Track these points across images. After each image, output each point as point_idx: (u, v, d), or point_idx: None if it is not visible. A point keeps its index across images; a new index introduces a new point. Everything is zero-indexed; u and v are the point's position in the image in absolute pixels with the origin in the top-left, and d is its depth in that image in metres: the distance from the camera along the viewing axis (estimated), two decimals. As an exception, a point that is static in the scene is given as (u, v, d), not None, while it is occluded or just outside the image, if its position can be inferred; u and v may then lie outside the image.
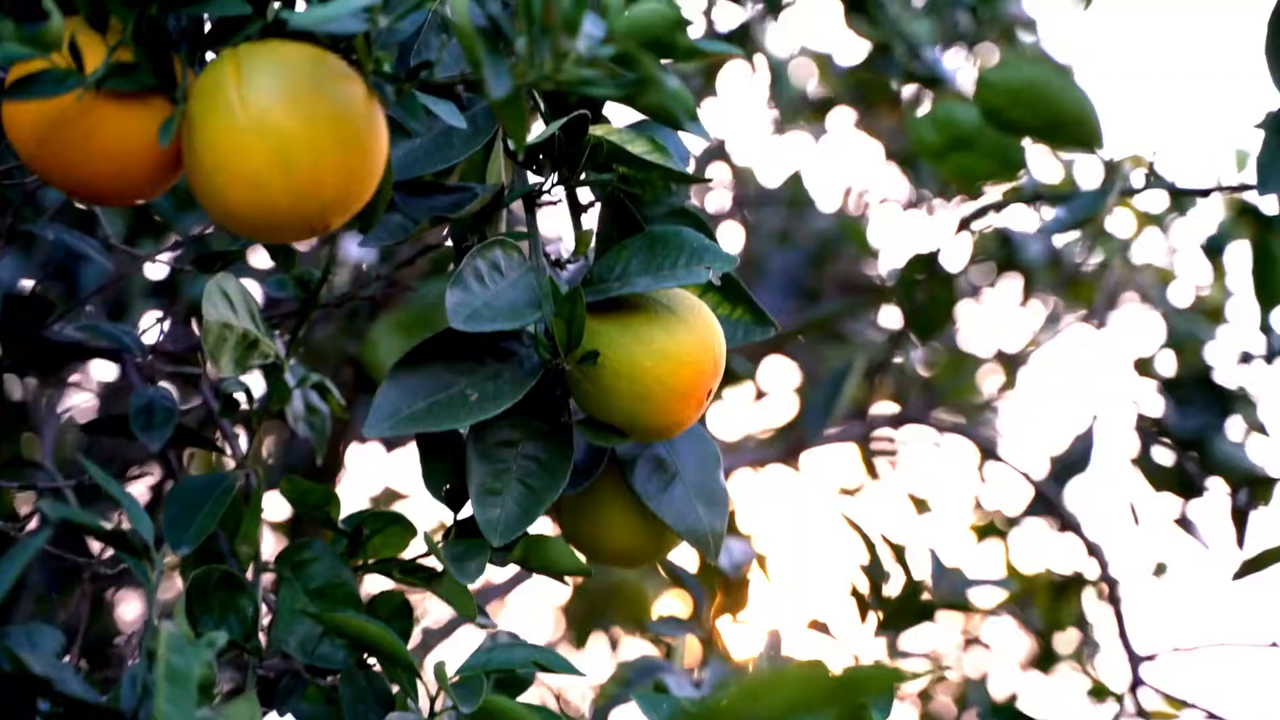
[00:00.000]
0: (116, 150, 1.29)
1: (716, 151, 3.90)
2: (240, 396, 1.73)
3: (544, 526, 1.70)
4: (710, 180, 1.61)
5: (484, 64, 1.22)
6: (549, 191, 1.60)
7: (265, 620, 1.61)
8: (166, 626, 1.19)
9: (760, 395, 3.96)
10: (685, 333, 1.50)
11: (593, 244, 1.62)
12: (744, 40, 3.16)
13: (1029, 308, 3.82)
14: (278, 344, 1.68)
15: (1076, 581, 3.27)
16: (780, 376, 3.94)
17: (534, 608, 4.23)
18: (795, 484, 3.81)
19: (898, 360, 3.46)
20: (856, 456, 3.77)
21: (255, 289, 2.36)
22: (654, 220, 1.63)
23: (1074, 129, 2.09)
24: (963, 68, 2.96)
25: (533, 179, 1.61)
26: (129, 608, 3.32)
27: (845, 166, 4.08)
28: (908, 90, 3.12)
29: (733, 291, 1.66)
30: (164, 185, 1.34)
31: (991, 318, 3.88)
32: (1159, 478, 3.33)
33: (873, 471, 3.81)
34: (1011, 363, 3.84)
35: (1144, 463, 3.36)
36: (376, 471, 3.87)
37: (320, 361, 2.94)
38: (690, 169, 1.62)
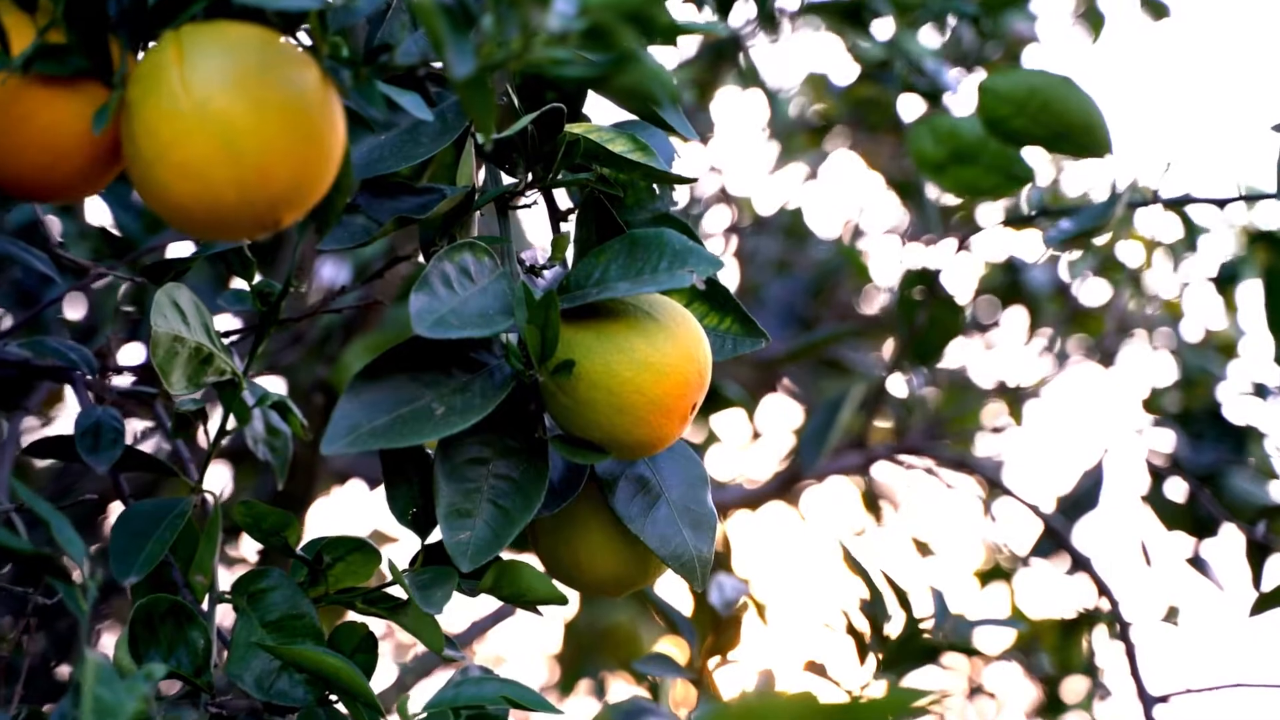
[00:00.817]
0: (48, 140, 1.21)
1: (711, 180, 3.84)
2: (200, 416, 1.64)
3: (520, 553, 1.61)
4: (696, 180, 1.52)
5: (446, 42, 1.14)
6: (524, 193, 1.52)
7: (223, 655, 1.52)
8: (94, 657, 1.10)
9: (756, 436, 3.89)
10: (667, 341, 1.42)
11: (570, 249, 1.53)
12: (734, 53, 3.08)
13: (1034, 341, 3.75)
14: (235, 360, 1.59)
15: (1086, 621, 3.18)
16: (777, 415, 3.88)
17: (521, 651, 4.15)
18: (791, 520, 3.74)
19: (898, 390, 3.37)
20: (855, 492, 3.69)
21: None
22: (637, 226, 1.55)
23: (1081, 137, 2.01)
24: (966, 82, 2.87)
25: (507, 181, 1.52)
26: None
27: (843, 195, 4.00)
28: (907, 111, 3.04)
29: (720, 300, 1.58)
30: (102, 179, 1.26)
31: (996, 351, 3.82)
32: (1171, 515, 3.25)
33: (872, 507, 3.73)
34: (1016, 397, 3.76)
35: (1155, 500, 3.28)
36: (361, 512, 3.79)
37: (291, 388, 2.85)
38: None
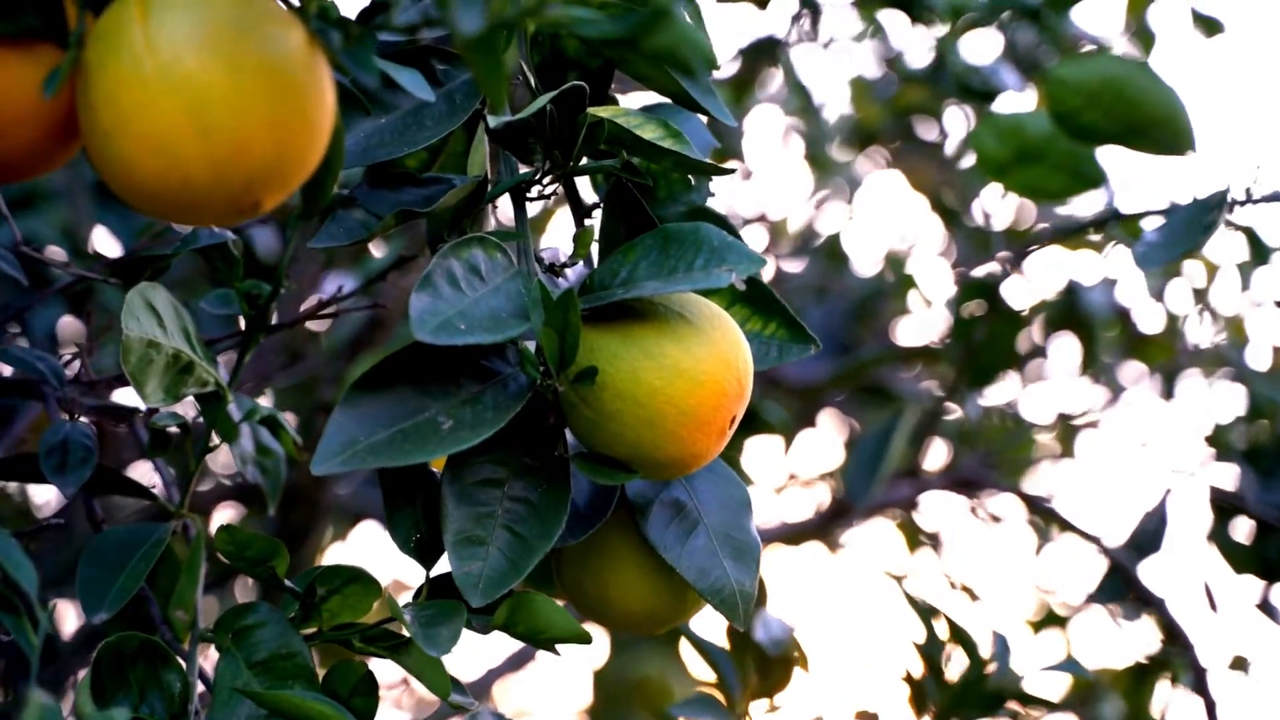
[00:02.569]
0: (-7, 108, 1.09)
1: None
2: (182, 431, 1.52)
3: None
4: (734, 171, 1.39)
5: (449, -7, 1.02)
6: (542, 184, 1.39)
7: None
8: (39, 699, 0.97)
9: (792, 478, 3.76)
10: (702, 346, 1.29)
11: (595, 246, 1.41)
12: (772, 56, 2.96)
13: (1090, 370, 3.61)
14: (220, 370, 1.46)
15: (1158, 667, 3.03)
16: (816, 452, 3.75)
17: (547, 704, 4.02)
18: (830, 560, 3.61)
19: (950, 417, 3.24)
20: (903, 526, 3.56)
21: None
22: (670, 220, 1.43)
23: (1160, 131, 1.87)
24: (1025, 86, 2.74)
25: (524, 170, 1.40)
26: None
27: (885, 218, 3.87)
28: (955, 122, 2.92)
29: (764, 302, 1.46)
30: (58, 154, 1.15)
31: (1050, 382, 3.69)
32: (1238, 557, 3.10)
33: (921, 542, 3.60)
34: (1072, 430, 3.63)
35: (1221, 541, 3.13)
36: (378, 556, 3.67)
37: (296, 409, 2.72)
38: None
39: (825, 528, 3.25)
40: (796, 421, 3.67)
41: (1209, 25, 3.39)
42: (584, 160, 1.38)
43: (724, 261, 1.29)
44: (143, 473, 2.66)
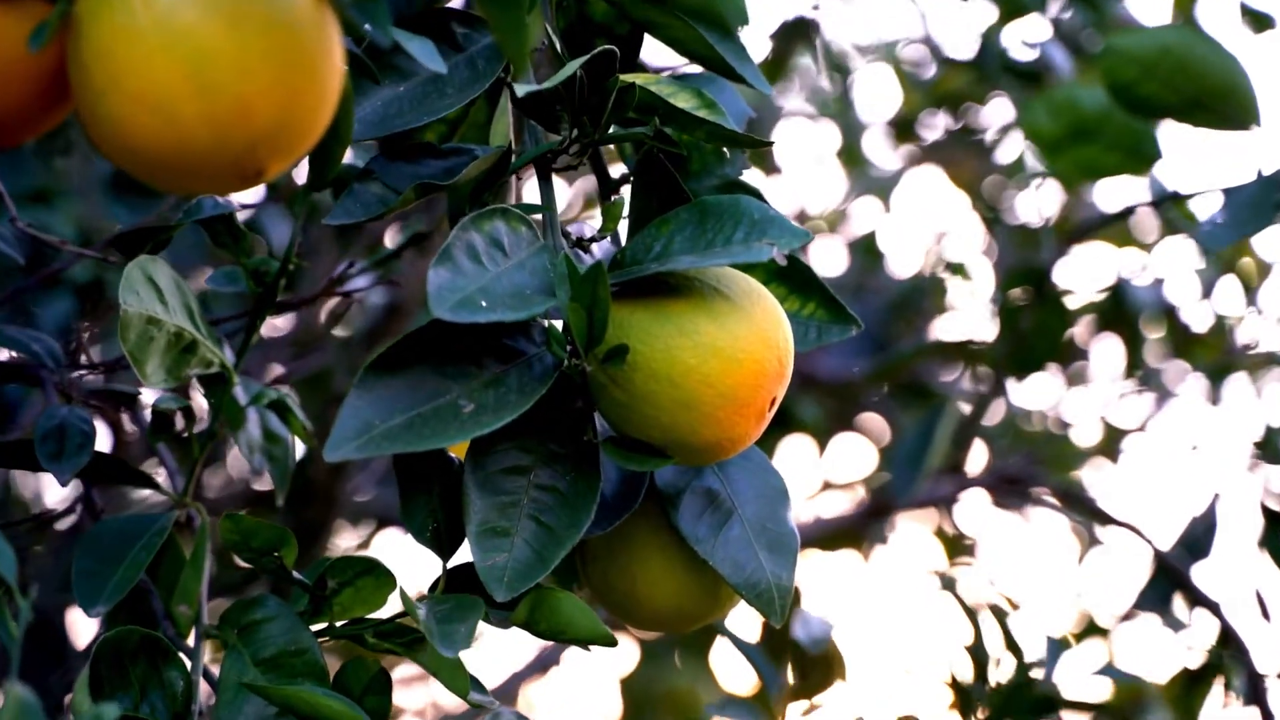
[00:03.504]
0: (-24, 65, 1.03)
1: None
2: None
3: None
4: (772, 143, 1.33)
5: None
6: (569, 153, 1.32)
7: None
8: (18, 693, 0.91)
9: (826, 486, 3.69)
10: (741, 323, 1.22)
11: (625, 219, 1.34)
12: (804, 36, 2.90)
13: (1137, 370, 3.55)
14: (226, 351, 1.41)
15: (1212, 671, 2.95)
16: (851, 456, 3.69)
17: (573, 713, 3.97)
18: (878, 561, 3.54)
19: (996, 411, 3.17)
20: (940, 534, 3.50)
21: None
22: (704, 194, 1.36)
23: (1223, 104, 1.80)
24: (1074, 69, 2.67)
25: (550, 141, 1.34)
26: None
27: (924, 215, 3.80)
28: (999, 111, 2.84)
29: (802, 281, 1.40)
30: (47, 116, 1.09)
31: (1094, 384, 3.62)
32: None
33: (962, 548, 3.54)
34: (1119, 433, 3.56)
35: (1273, 547, 3.05)
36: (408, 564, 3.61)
37: (308, 402, 2.66)
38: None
39: (865, 525, 3.18)
40: (833, 423, 3.61)
41: (1259, 20, 3.31)
42: (613, 129, 1.31)
43: (765, 235, 1.23)
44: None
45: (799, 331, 1.37)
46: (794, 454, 3.58)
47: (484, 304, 1.18)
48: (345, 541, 3.23)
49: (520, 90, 1.25)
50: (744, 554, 1.33)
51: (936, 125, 3.46)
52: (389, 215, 1.27)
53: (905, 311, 3.55)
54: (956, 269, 3.31)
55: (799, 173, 3.74)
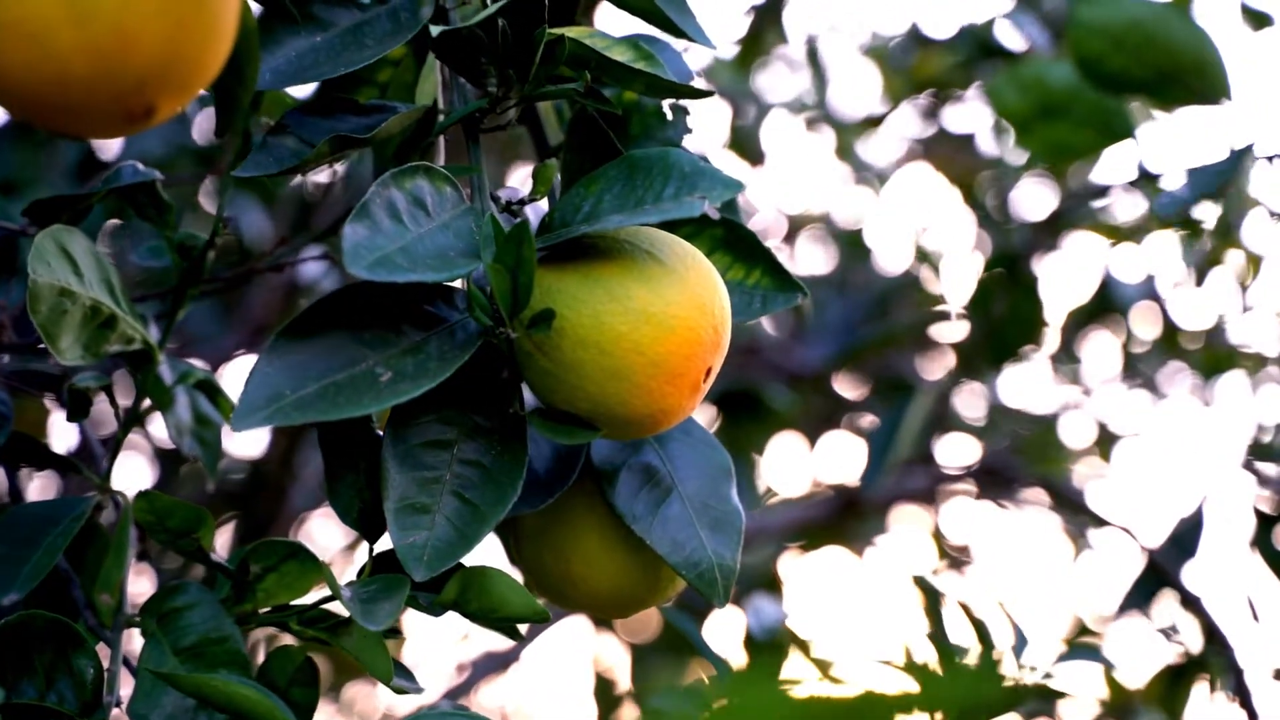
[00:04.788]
0: None
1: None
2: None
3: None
4: (712, 93, 1.25)
5: None
6: (500, 113, 1.24)
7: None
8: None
9: (817, 486, 3.62)
10: (673, 287, 1.14)
11: (557, 183, 1.26)
12: (776, 18, 2.82)
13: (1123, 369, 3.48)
14: (150, 329, 1.33)
15: (1195, 667, 2.87)
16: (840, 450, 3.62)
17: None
18: (851, 563, 3.47)
19: (972, 404, 3.09)
20: (924, 534, 3.43)
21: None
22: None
23: (1193, 78, 1.73)
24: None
25: (478, 100, 1.26)
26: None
27: (910, 208, 3.72)
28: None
29: (747, 249, 1.32)
30: None
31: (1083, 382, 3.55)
32: (1281, 564, 2.94)
33: (947, 552, 3.46)
34: (1108, 432, 3.49)
35: (1264, 547, 2.98)
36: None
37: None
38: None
39: (839, 521, 3.10)
40: (820, 423, 3.54)
41: (1258, 19, 3.23)
42: (545, 86, 1.23)
43: (695, 188, 1.15)
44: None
45: (744, 301, 1.30)
46: (783, 453, 3.53)
47: (404, 264, 1.10)
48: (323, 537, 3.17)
49: (436, 30, 1.17)
50: (684, 533, 1.26)
51: (920, 116, 3.38)
52: (305, 169, 1.19)
53: (889, 307, 3.47)
54: (923, 256, 3.22)
55: (785, 164, 3.66)
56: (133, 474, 2.73)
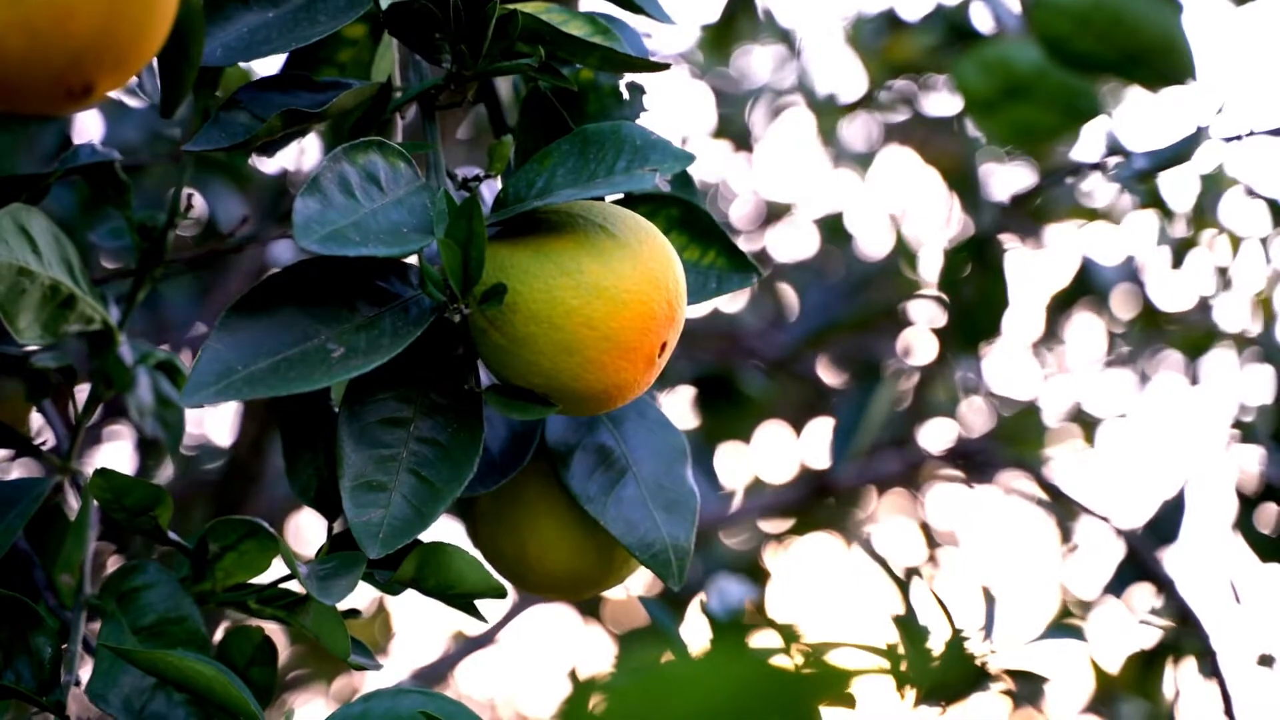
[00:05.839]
0: None
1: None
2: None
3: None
4: (667, 67, 1.24)
5: None
6: (455, 90, 1.23)
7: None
8: None
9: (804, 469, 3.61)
10: (625, 260, 1.13)
11: (511, 159, 1.25)
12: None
13: (1104, 352, 3.46)
14: (111, 309, 1.32)
15: (1168, 651, 2.86)
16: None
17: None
18: (834, 551, 3.47)
19: (945, 387, 3.07)
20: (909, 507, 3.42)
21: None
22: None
23: (1159, 60, 1.72)
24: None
25: (433, 78, 1.25)
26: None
27: (890, 192, 3.70)
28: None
29: (702, 229, 1.31)
30: None
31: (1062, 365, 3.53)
32: (1265, 547, 2.93)
33: (933, 540, 3.45)
34: (1089, 415, 3.47)
35: (1247, 530, 2.96)
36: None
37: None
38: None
39: (810, 505, 3.09)
40: (803, 410, 3.52)
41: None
42: (499, 61, 1.22)
43: (647, 161, 1.15)
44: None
45: (699, 280, 1.30)
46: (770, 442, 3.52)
47: (356, 239, 1.09)
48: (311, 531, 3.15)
49: (386, 2, 1.15)
50: (638, 514, 1.26)
51: (897, 100, 3.36)
52: (254, 143, 1.18)
53: (870, 290, 3.44)
54: (902, 244, 3.20)
55: (766, 149, 3.65)
56: (116, 462, 2.72)
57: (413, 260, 1.17)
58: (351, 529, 1.14)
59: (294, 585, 1.24)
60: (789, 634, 1.70)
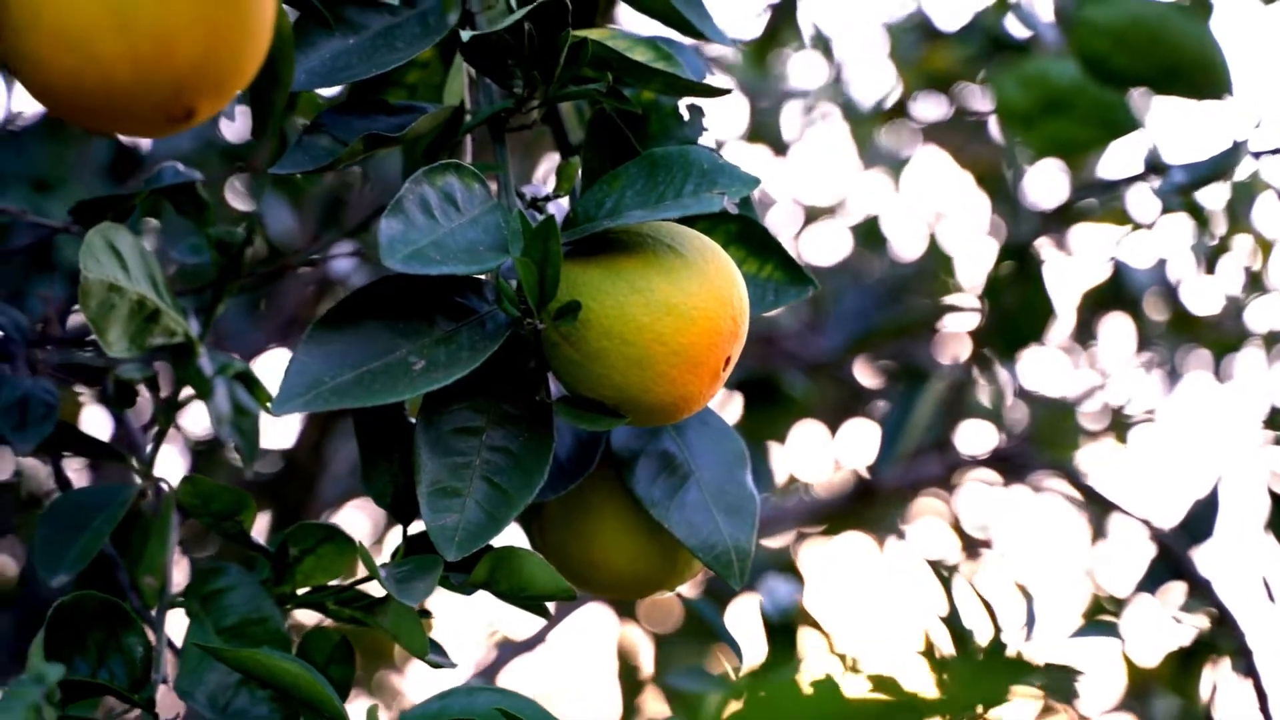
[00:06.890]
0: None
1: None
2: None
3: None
4: (729, 91, 1.28)
5: None
6: (524, 112, 1.28)
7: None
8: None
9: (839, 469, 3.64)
10: (693, 279, 1.18)
11: (579, 180, 1.30)
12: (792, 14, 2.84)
13: (1138, 355, 3.48)
14: (191, 322, 1.37)
15: (1206, 649, 2.88)
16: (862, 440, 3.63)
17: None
18: (871, 551, 3.49)
19: (985, 391, 3.09)
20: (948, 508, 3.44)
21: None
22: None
23: (1196, 75, 1.75)
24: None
25: (504, 100, 1.29)
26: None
27: (926, 196, 3.73)
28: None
29: (759, 243, 1.35)
30: None
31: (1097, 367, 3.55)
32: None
33: (968, 537, 3.47)
34: (1125, 417, 3.49)
35: (1277, 529, 2.98)
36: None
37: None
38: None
39: (856, 507, 3.12)
40: (840, 411, 3.55)
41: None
42: (569, 86, 1.27)
43: (715, 184, 1.19)
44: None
45: (757, 293, 1.34)
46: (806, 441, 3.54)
47: (436, 257, 1.14)
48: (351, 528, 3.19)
49: (466, 35, 1.20)
50: (700, 517, 1.30)
51: (933, 107, 3.39)
52: (336, 166, 1.22)
53: (906, 294, 3.47)
54: (937, 251, 3.23)
55: (803, 154, 3.68)
56: (169, 465, 2.77)
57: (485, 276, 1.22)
58: (429, 532, 1.18)
59: (369, 587, 1.28)
60: (839, 649, 1.74)
